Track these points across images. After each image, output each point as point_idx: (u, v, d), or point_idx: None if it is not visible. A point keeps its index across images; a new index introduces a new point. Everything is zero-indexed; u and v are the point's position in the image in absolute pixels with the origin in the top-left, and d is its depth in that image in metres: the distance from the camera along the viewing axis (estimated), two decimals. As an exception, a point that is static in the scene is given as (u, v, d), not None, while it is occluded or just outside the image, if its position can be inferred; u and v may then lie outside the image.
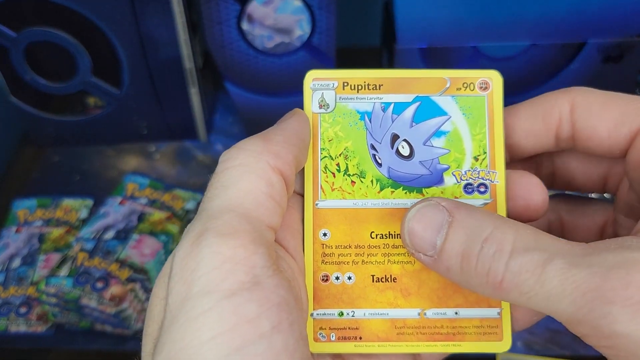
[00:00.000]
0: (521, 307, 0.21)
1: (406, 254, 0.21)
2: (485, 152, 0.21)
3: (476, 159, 0.21)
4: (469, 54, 0.46)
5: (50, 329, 0.44)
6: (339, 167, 0.21)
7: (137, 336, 0.43)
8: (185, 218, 0.49)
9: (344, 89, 0.22)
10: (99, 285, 0.42)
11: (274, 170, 0.18)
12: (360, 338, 0.21)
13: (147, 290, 0.44)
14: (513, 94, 0.50)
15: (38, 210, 0.50)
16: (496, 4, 0.43)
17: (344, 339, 0.21)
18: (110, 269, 0.43)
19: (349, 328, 0.21)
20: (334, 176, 0.21)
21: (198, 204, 0.51)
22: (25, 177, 0.54)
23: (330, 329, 0.21)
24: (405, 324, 0.21)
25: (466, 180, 0.21)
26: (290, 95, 0.50)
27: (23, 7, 0.46)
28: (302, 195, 0.22)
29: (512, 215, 0.21)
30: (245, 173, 0.18)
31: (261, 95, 0.51)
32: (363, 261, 0.21)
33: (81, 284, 0.42)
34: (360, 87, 0.22)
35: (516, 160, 0.23)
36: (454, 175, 0.21)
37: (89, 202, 0.51)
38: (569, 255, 0.16)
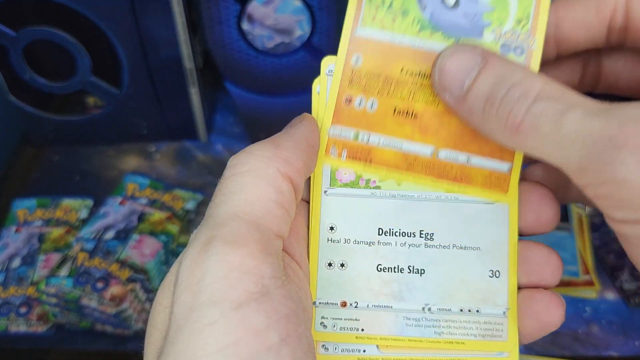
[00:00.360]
0: (527, 320, 0.21)
1: (432, 95, 0.21)
2: (528, 18, 0.21)
3: (518, 22, 0.21)
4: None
5: (51, 329, 0.44)
6: (383, 1, 0.21)
7: (138, 336, 0.43)
8: (186, 218, 0.49)
9: None
10: (99, 285, 0.42)
11: (284, 177, 0.18)
12: (370, 161, 0.21)
13: (148, 291, 0.44)
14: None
15: (38, 210, 0.50)
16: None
17: (355, 158, 0.21)
18: (110, 269, 0.43)
19: (361, 150, 0.21)
20: (377, 10, 0.21)
21: (198, 204, 0.51)
22: (25, 177, 0.54)
23: (343, 147, 0.21)
24: (416, 159, 0.21)
25: (505, 40, 0.21)
26: (290, 95, 0.50)
27: (23, 6, 0.46)
28: (308, 202, 0.21)
29: (523, 229, 0.21)
30: (254, 179, 0.17)
31: (261, 95, 0.51)
32: (389, 92, 0.21)
33: (81, 284, 0.42)
34: None
35: (564, 55, 0.22)
36: (494, 32, 0.21)
37: (89, 202, 0.51)
38: (590, 108, 0.16)
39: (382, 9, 0.21)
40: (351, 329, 0.21)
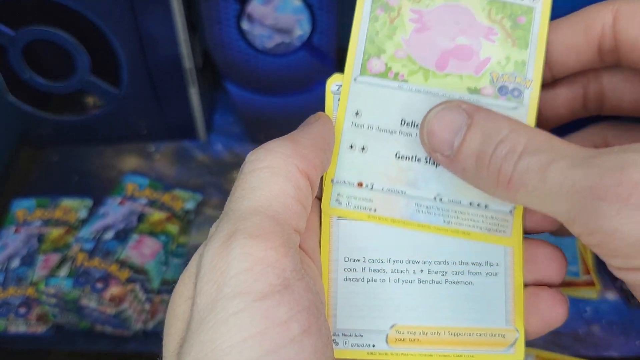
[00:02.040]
0: (532, 317, 0.21)
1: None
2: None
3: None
4: (470, 54, 0.46)
5: (50, 330, 0.44)
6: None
7: (137, 337, 0.43)
8: (185, 218, 0.49)
9: None
10: (99, 285, 0.42)
11: (302, 173, 0.18)
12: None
13: (147, 291, 0.44)
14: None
15: (37, 210, 0.50)
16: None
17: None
18: (110, 270, 0.43)
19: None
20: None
21: (197, 204, 0.51)
22: (24, 177, 0.54)
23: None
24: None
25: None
26: (290, 95, 0.50)
27: (21, 5, 0.46)
28: (319, 199, 0.22)
29: (529, 225, 0.21)
30: (274, 175, 0.18)
31: (261, 95, 0.50)
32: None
33: (81, 285, 0.42)
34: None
35: (560, 77, 0.22)
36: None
37: (88, 202, 0.51)
38: (573, 157, 0.17)
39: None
40: (365, 208, 0.21)
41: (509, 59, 0.21)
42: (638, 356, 0.41)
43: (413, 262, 0.21)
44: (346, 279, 0.21)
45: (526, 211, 0.21)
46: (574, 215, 0.16)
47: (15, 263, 0.46)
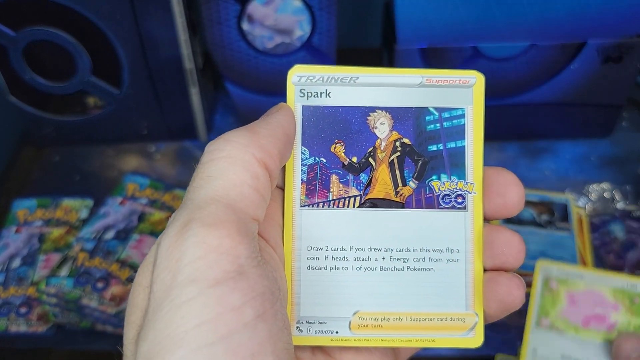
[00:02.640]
0: (491, 302, 0.21)
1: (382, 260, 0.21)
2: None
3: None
4: (469, 54, 0.46)
5: (51, 329, 0.44)
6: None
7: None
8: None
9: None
10: (100, 285, 0.42)
11: (260, 163, 0.19)
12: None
13: (148, 291, 0.44)
14: (513, 94, 0.50)
15: (38, 210, 0.50)
16: (496, 5, 0.43)
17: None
18: (110, 269, 0.43)
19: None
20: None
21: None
22: (25, 177, 0.54)
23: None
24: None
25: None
26: (290, 95, 0.50)
27: (22, 6, 0.46)
28: (283, 189, 0.22)
29: (489, 213, 0.22)
30: (231, 165, 0.18)
31: (261, 95, 0.51)
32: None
33: (81, 284, 0.42)
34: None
35: None
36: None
37: (89, 202, 0.51)
38: None
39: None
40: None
41: (629, 323, 0.33)
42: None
43: (375, 249, 0.21)
44: (309, 268, 0.21)
45: (485, 197, 0.21)
46: None
47: (16, 263, 0.46)
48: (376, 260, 0.21)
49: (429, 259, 0.21)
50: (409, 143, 0.22)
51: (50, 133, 0.55)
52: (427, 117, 0.22)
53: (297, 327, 0.21)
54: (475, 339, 0.21)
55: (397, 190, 0.22)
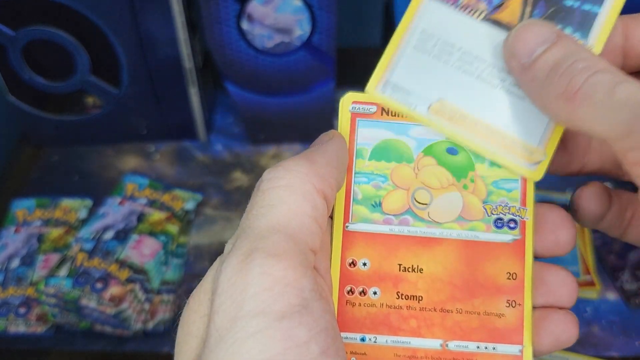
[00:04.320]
0: (544, 339, 0.21)
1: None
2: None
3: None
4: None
5: (50, 330, 0.43)
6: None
7: (137, 337, 0.43)
8: (185, 218, 0.49)
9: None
10: (99, 285, 0.42)
11: (319, 193, 0.18)
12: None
13: (147, 291, 0.44)
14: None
15: (37, 210, 0.50)
16: (497, 4, 0.43)
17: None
18: (109, 270, 0.43)
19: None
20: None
21: (197, 204, 0.51)
22: (24, 177, 0.54)
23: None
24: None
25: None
26: (290, 95, 0.50)
27: (22, 5, 0.46)
28: (332, 218, 0.22)
29: (540, 250, 0.22)
30: (292, 194, 0.18)
31: (261, 95, 0.50)
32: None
33: (81, 285, 0.42)
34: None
35: (631, 68, 0.22)
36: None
37: (88, 202, 0.51)
38: None
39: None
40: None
41: None
42: (638, 356, 0.41)
43: (480, 59, 0.22)
44: (416, 48, 0.22)
45: (536, 235, 0.21)
46: (631, 127, 0.17)
47: (15, 263, 0.46)
48: (477, 68, 0.22)
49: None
50: None
51: (49, 133, 0.54)
52: None
53: (382, 88, 0.22)
54: (535, 173, 0.22)
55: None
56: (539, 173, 0.21)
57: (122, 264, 0.44)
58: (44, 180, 0.54)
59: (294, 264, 0.16)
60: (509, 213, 0.22)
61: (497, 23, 0.22)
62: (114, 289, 0.42)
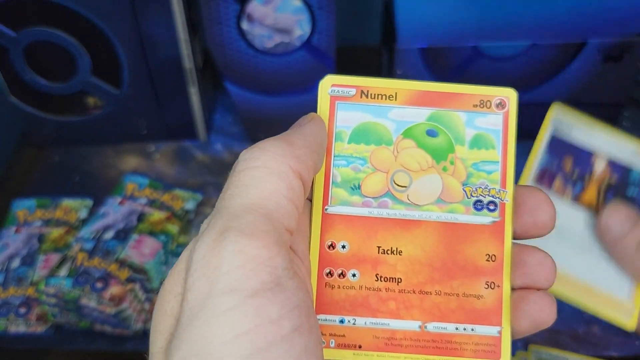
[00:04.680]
0: (522, 320, 0.21)
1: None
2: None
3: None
4: (469, 54, 0.46)
5: (50, 329, 0.44)
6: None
7: (137, 336, 0.43)
8: (185, 218, 0.49)
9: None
10: (99, 285, 0.42)
11: (295, 174, 0.18)
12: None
13: (147, 291, 0.44)
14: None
15: (37, 210, 0.50)
16: (496, 4, 0.43)
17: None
18: (109, 269, 0.43)
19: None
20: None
21: (197, 204, 0.51)
22: (25, 177, 0.54)
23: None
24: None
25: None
26: (290, 94, 0.50)
27: (23, 6, 0.46)
28: (310, 200, 0.22)
29: (519, 232, 0.21)
30: (267, 174, 0.18)
31: (261, 95, 0.51)
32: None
33: (81, 284, 0.42)
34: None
35: None
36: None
37: (89, 202, 0.51)
38: None
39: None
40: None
41: None
42: (638, 356, 0.41)
43: (572, 232, 0.26)
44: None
45: (515, 217, 0.21)
46: None
47: (16, 263, 0.46)
48: (569, 239, 0.29)
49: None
50: None
51: (50, 133, 0.55)
52: None
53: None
54: (631, 322, 0.26)
55: None
56: (632, 322, 0.25)
57: (122, 263, 0.44)
58: (44, 180, 0.54)
59: (267, 243, 0.17)
60: (488, 195, 0.22)
61: (580, 204, 0.27)
62: (114, 289, 0.42)
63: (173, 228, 0.48)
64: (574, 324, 0.42)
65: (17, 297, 0.44)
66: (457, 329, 0.21)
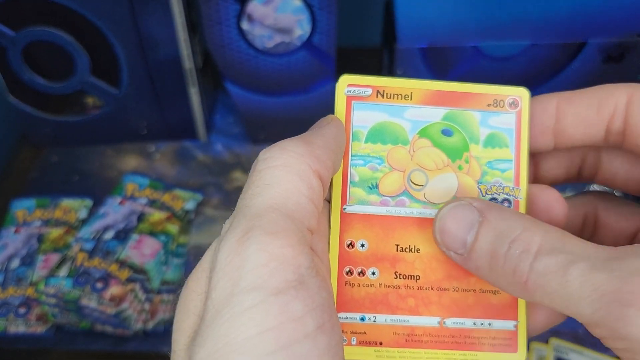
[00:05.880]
0: (537, 314, 0.21)
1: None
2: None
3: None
4: (470, 54, 0.46)
5: (50, 330, 0.43)
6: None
7: (137, 337, 0.43)
8: (185, 218, 0.49)
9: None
10: (99, 285, 0.42)
11: (315, 173, 0.18)
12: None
13: (147, 291, 0.44)
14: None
15: (37, 210, 0.50)
16: (497, 4, 0.43)
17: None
18: (110, 270, 0.43)
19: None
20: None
21: (198, 204, 0.51)
22: (24, 177, 0.54)
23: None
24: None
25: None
26: (290, 94, 0.50)
27: (22, 6, 0.46)
28: (328, 201, 0.22)
29: None
30: (288, 173, 0.18)
31: (261, 95, 0.50)
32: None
33: (81, 285, 0.42)
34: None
35: (562, 148, 0.23)
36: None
37: (88, 202, 0.51)
38: (592, 259, 0.17)
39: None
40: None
41: None
42: (638, 356, 0.41)
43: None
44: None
45: (529, 214, 0.22)
46: (597, 320, 0.16)
47: (15, 263, 0.46)
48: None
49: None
50: None
51: (49, 133, 0.54)
52: None
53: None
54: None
55: None
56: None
57: (122, 264, 0.44)
58: (43, 180, 0.54)
59: (291, 242, 0.17)
60: (503, 193, 0.22)
61: None
62: (114, 289, 0.42)
63: (173, 228, 0.48)
64: (574, 324, 0.42)
65: (16, 297, 0.44)
66: (474, 324, 0.21)
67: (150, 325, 0.43)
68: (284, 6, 0.44)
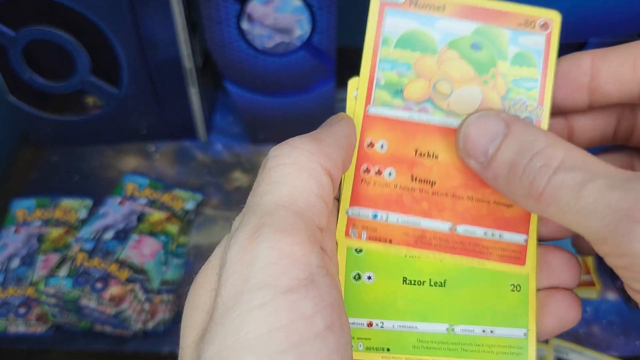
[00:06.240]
0: (547, 319, 0.21)
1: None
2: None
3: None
4: (470, 54, 0.46)
5: (50, 330, 0.43)
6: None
7: (137, 337, 0.43)
8: (185, 218, 0.49)
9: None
10: (99, 285, 0.42)
11: (325, 171, 0.18)
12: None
13: (147, 291, 0.44)
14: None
15: (37, 210, 0.50)
16: (497, 4, 0.43)
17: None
18: (109, 270, 0.43)
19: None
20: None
21: (197, 204, 0.51)
22: (24, 177, 0.54)
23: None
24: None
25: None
26: (290, 94, 0.50)
27: (22, 6, 0.46)
28: (338, 200, 0.22)
29: (545, 233, 0.22)
30: (297, 171, 0.18)
31: (261, 95, 0.50)
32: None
33: (80, 285, 0.42)
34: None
35: (596, 106, 0.22)
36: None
37: (88, 202, 0.50)
38: (610, 178, 0.17)
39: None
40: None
41: None
42: (638, 356, 0.41)
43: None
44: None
45: (541, 219, 0.22)
46: (605, 235, 0.17)
47: (15, 263, 0.46)
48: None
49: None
50: None
51: (49, 133, 0.54)
52: None
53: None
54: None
55: None
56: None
57: (122, 264, 0.44)
58: (43, 180, 0.54)
59: (301, 240, 0.17)
60: (526, 111, 0.22)
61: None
62: (114, 289, 0.42)
63: (173, 228, 0.48)
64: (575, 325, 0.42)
65: (16, 297, 0.44)
66: (485, 233, 0.21)
67: (150, 325, 0.43)
68: (284, 6, 0.44)
